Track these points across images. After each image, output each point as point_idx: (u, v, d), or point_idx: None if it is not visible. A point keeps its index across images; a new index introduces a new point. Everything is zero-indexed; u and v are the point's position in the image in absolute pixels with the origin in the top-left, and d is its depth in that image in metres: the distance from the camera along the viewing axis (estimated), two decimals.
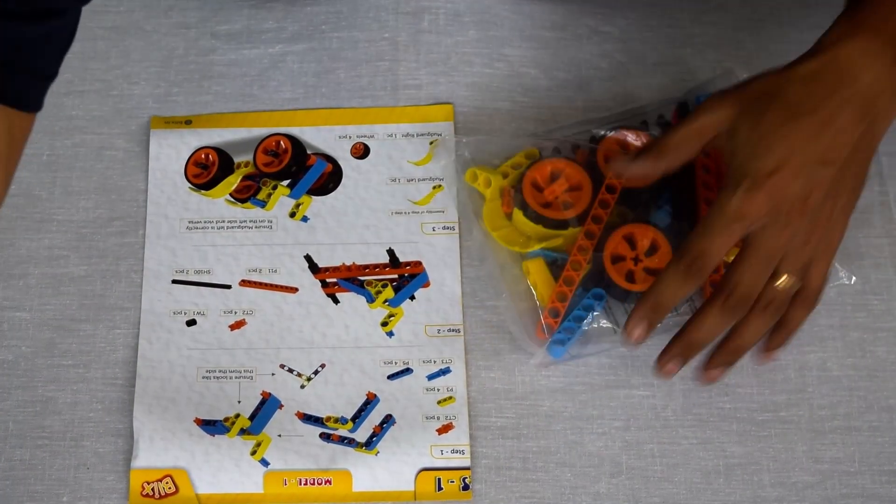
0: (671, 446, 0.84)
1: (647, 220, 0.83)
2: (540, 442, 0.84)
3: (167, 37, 0.94)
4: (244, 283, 0.87)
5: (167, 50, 0.94)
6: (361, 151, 0.90)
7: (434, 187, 0.89)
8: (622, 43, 0.94)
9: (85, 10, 0.94)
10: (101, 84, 0.92)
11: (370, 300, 0.86)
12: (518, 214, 0.84)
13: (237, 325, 0.85)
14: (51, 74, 0.73)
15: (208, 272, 0.87)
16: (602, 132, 0.86)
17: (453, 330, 0.86)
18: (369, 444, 0.82)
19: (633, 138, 0.85)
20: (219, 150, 0.89)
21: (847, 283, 0.86)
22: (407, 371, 0.85)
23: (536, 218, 0.84)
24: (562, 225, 0.84)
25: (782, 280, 0.74)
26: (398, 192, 0.89)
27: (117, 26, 0.94)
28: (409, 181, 0.90)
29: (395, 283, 0.87)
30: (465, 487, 0.81)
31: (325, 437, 0.82)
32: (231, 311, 0.86)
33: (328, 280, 0.87)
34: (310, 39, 0.94)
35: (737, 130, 0.74)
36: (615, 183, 0.83)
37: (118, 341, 0.86)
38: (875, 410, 0.85)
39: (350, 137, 0.91)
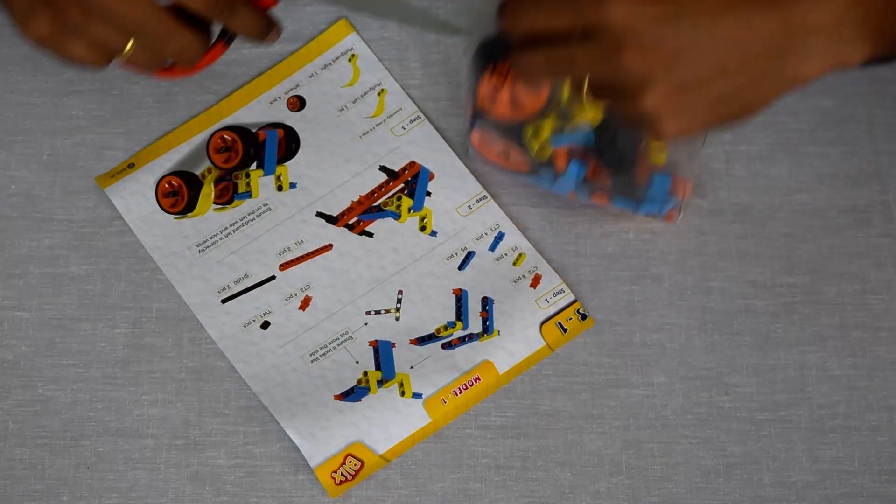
0: (671, 446, 0.84)
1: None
2: (540, 441, 0.84)
3: None
4: (283, 266, 0.88)
5: None
6: (298, 104, 0.92)
7: (379, 93, 0.92)
8: None
9: None
10: (101, 84, 0.92)
11: (397, 217, 0.89)
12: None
13: (305, 303, 0.87)
14: None
15: (246, 276, 0.87)
16: None
17: (481, 199, 0.89)
18: (487, 329, 0.86)
19: None
20: (177, 173, 0.90)
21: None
22: (470, 255, 0.88)
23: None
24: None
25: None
26: (353, 116, 0.91)
27: None
28: (354, 102, 0.91)
29: (406, 191, 0.89)
30: (583, 317, 0.86)
31: (448, 345, 0.85)
32: (292, 296, 0.87)
33: (350, 222, 0.88)
34: (310, 39, 0.94)
35: None
36: None
37: (118, 341, 0.86)
38: (875, 410, 0.85)
39: (280, 98, 0.92)
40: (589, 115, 0.80)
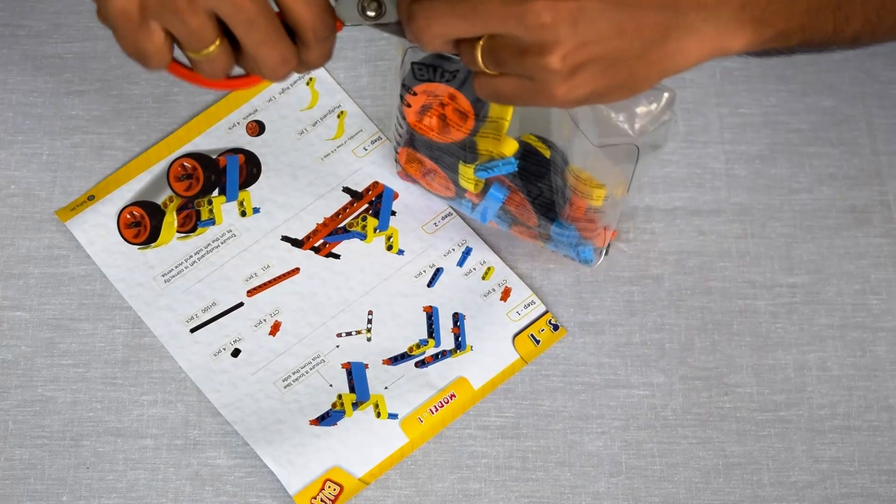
0: (671, 446, 0.84)
1: None
2: (539, 441, 0.84)
3: None
4: (251, 292, 0.87)
5: None
6: (257, 128, 0.91)
7: (338, 115, 0.92)
8: None
9: (85, 9, 0.95)
10: (101, 84, 0.92)
11: (363, 238, 0.88)
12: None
13: (274, 328, 0.86)
14: None
15: (214, 304, 0.87)
16: None
17: (446, 216, 0.89)
18: (459, 345, 0.86)
19: None
20: (138, 203, 0.89)
21: None
22: (438, 271, 0.88)
23: None
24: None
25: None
26: (314, 139, 0.91)
27: None
28: (314, 125, 0.91)
29: (371, 211, 0.89)
30: (556, 328, 0.86)
31: (421, 364, 0.85)
32: (261, 321, 0.86)
33: (316, 245, 0.88)
34: None
35: None
36: None
37: (118, 341, 0.86)
38: (875, 410, 0.85)
39: (238, 123, 0.91)
40: (506, 148, 0.80)
